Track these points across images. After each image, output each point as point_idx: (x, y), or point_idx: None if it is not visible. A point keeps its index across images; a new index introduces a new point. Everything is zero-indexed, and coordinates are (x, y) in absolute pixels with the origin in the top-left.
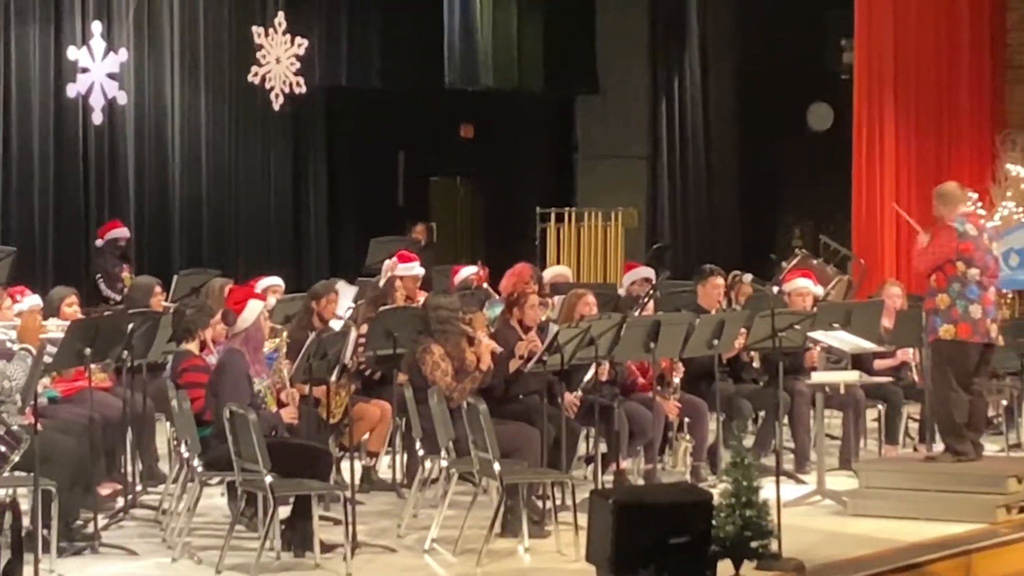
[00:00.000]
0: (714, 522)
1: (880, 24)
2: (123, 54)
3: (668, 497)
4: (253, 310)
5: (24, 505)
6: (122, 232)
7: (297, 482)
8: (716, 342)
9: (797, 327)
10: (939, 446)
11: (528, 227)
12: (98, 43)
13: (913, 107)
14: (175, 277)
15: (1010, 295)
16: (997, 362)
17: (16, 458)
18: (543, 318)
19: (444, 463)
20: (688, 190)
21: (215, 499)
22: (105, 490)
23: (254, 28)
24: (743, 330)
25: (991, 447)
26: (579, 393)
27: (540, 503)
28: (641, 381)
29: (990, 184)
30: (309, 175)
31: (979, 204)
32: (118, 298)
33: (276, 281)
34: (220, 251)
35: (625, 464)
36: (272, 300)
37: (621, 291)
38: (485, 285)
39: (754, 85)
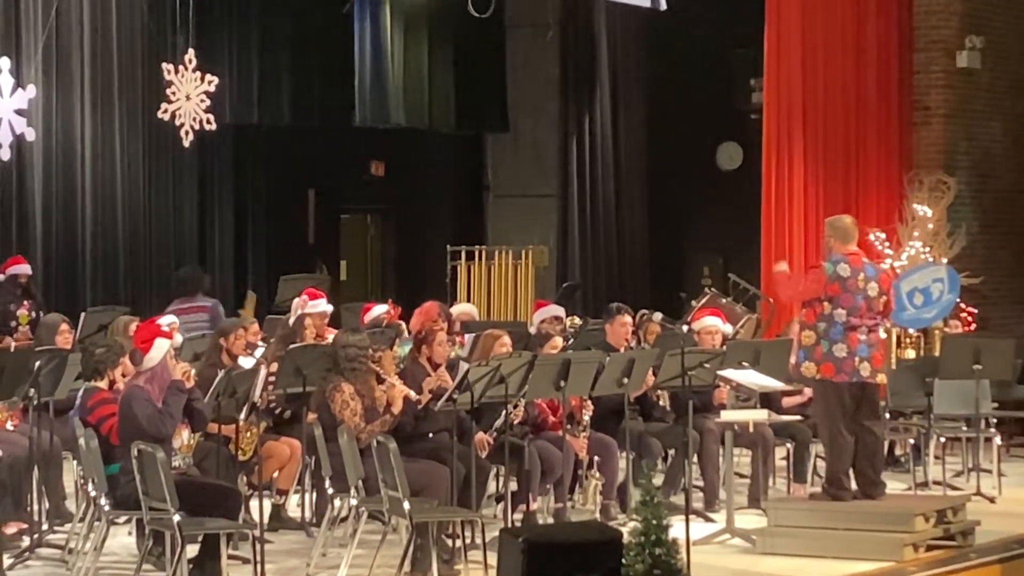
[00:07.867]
0: (624, 561)
1: (789, 64)
2: (31, 90)
3: (578, 536)
4: (160, 349)
5: None
6: (23, 268)
7: (206, 521)
8: (626, 380)
9: (707, 366)
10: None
11: (439, 265)
12: (6, 79)
13: (822, 147)
14: (82, 315)
15: (915, 334)
16: (902, 401)
17: None
18: (451, 355)
19: (353, 501)
20: (598, 229)
21: (122, 538)
22: (11, 529)
23: (164, 64)
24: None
25: (899, 485)
26: (492, 432)
27: (450, 541)
28: (551, 419)
29: (897, 224)
30: (216, 212)
31: (886, 243)
32: (10, 338)
33: (172, 319)
34: (135, 288)
35: (535, 503)
36: (179, 338)
37: (532, 329)
38: (399, 321)
39: (664, 124)
